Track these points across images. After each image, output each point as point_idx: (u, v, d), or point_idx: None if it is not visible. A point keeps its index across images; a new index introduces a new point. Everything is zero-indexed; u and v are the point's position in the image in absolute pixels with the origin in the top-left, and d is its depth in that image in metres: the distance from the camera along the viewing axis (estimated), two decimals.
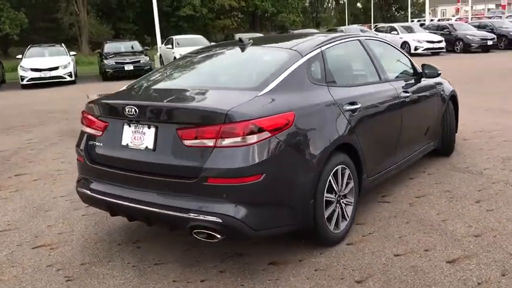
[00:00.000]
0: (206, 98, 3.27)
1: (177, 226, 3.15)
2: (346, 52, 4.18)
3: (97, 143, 3.47)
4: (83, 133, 3.67)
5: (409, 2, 51.91)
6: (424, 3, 68.54)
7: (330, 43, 3.91)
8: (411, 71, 4.99)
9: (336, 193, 3.48)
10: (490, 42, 23.80)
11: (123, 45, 19.76)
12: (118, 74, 17.57)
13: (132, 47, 19.63)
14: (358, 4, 69.95)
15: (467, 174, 5.06)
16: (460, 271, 3.12)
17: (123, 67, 17.59)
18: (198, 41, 20.67)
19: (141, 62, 17.90)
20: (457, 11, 60.33)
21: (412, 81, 4.85)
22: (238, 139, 2.88)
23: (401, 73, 4.85)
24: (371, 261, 3.31)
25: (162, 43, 22.69)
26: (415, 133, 4.81)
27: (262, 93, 3.16)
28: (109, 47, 19.36)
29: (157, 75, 4.09)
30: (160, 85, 3.91)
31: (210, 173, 2.89)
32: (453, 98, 5.69)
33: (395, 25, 26.68)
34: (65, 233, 4.06)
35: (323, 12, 69.99)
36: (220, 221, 2.86)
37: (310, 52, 3.64)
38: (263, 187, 2.93)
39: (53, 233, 4.09)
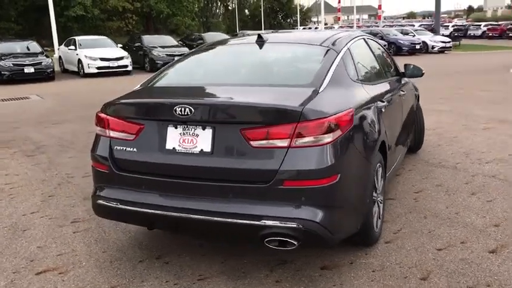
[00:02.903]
0: (267, 96, 2.98)
1: (244, 235, 2.85)
2: (361, 50, 4.16)
3: (128, 148, 3.03)
4: (100, 137, 3.21)
5: (298, 10, 54.15)
6: (307, 12, 72.95)
7: (351, 40, 3.85)
8: (394, 70, 5.13)
9: (376, 192, 3.44)
10: (417, 47, 26.85)
11: (19, 46, 17.92)
12: (16, 77, 15.93)
13: (28, 48, 17.88)
14: (246, 11, 71.27)
15: (444, 169, 5.32)
16: (508, 260, 3.24)
17: (23, 69, 15.94)
18: (104, 42, 19.57)
19: (43, 64, 16.37)
20: (338, 19, 64.18)
21: (397, 79, 4.98)
22: (315, 138, 2.69)
23: (390, 72, 4.95)
24: (420, 258, 3.30)
25: (59, 44, 21.00)
26: (406, 129, 4.94)
27: (321, 89, 3.00)
28: (2, 47, 17.44)
29: (181, 72, 3.69)
30: (199, 82, 3.52)
31: (287, 176, 2.67)
32: (418, 96, 5.97)
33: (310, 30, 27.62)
34: (66, 254, 3.52)
35: (211, 17, 70.15)
36: (300, 226, 2.65)
37: (342, 49, 3.55)
38: (339, 188, 2.77)
39: (50, 255, 3.52)
